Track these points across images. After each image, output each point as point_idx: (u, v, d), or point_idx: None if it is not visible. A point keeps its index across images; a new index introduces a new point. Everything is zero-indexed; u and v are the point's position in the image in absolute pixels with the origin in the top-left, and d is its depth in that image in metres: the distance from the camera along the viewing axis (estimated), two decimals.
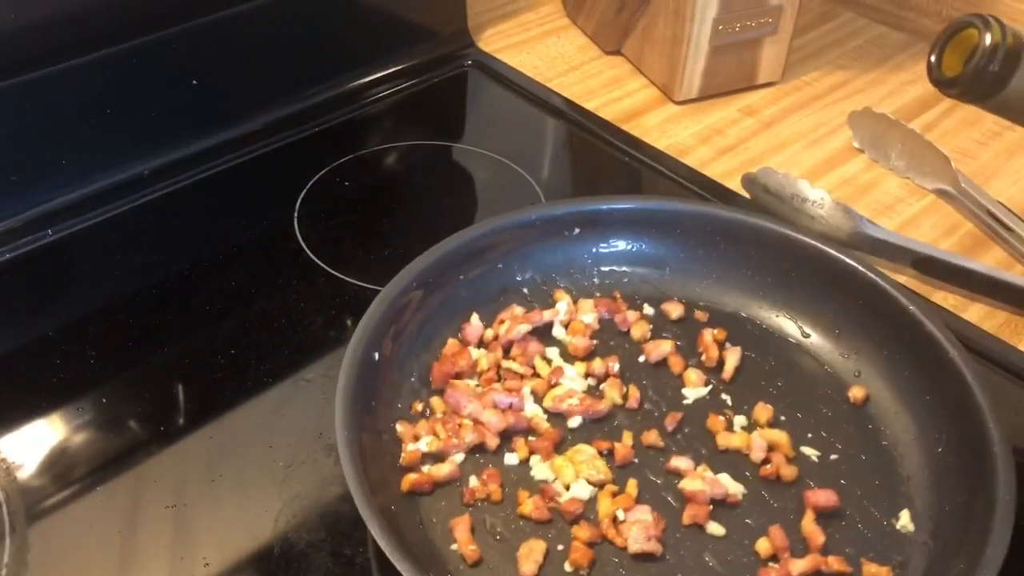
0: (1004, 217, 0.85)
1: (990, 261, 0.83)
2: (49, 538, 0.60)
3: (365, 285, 0.78)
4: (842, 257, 0.71)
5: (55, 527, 0.61)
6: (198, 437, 0.66)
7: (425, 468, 0.62)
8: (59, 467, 0.64)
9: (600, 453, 0.64)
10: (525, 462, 0.64)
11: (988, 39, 0.57)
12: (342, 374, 0.61)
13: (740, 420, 0.67)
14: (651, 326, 0.74)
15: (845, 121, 0.97)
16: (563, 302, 0.74)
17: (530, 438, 0.65)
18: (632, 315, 0.74)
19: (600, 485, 0.62)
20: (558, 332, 0.73)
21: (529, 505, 0.60)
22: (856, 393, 0.69)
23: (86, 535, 0.60)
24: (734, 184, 0.90)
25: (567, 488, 0.62)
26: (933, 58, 0.58)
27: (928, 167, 0.91)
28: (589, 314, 0.73)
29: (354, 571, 0.59)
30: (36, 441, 0.66)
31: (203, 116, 0.91)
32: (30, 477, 0.63)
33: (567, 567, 0.58)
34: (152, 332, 0.74)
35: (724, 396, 0.69)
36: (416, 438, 0.64)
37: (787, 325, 0.74)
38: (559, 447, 0.65)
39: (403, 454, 0.63)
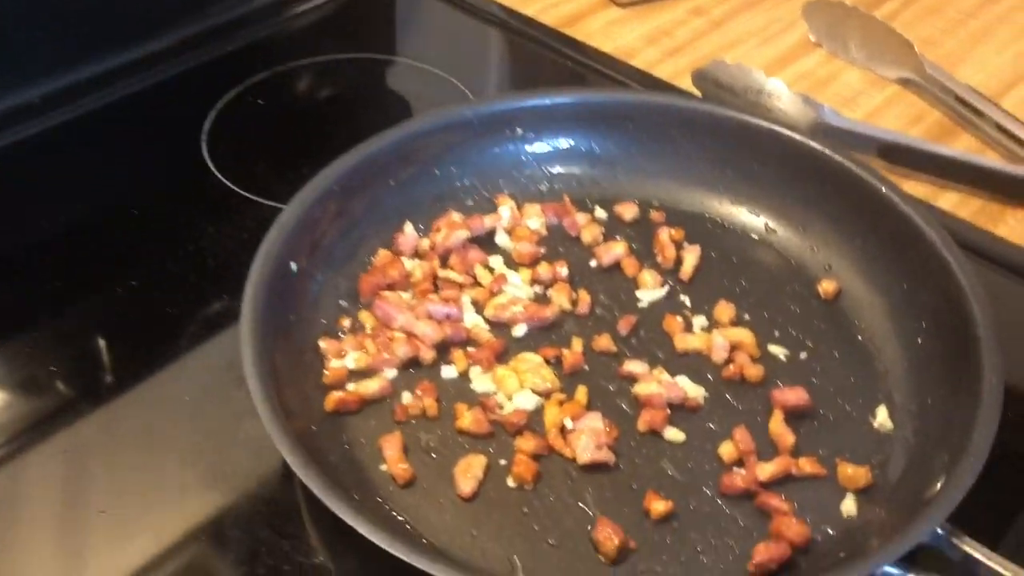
0: (975, 101, 0.79)
1: (961, 148, 0.77)
2: None
3: (284, 206, 0.70)
4: (808, 142, 0.65)
5: None
6: (93, 376, 0.59)
7: (351, 386, 0.56)
8: None
9: (547, 361, 0.58)
10: (464, 375, 0.57)
11: None
12: (249, 284, 0.54)
13: (700, 320, 0.61)
14: (603, 229, 0.67)
15: (799, 15, 0.91)
16: (506, 207, 0.67)
17: (469, 349, 0.59)
18: (582, 218, 0.67)
19: (547, 394, 0.56)
20: (501, 239, 0.66)
21: (468, 418, 0.54)
22: (827, 287, 0.63)
23: None
24: (685, 85, 0.83)
25: (510, 400, 0.55)
26: None
27: (890, 55, 0.85)
28: (535, 219, 0.67)
29: (273, 511, 0.52)
30: None
31: (100, 36, 0.81)
32: None
33: (510, 482, 0.52)
34: (47, 273, 0.66)
35: (682, 297, 0.63)
36: (341, 354, 0.57)
37: (750, 220, 0.68)
38: (501, 357, 0.58)
39: (326, 371, 0.56)
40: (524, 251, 0.65)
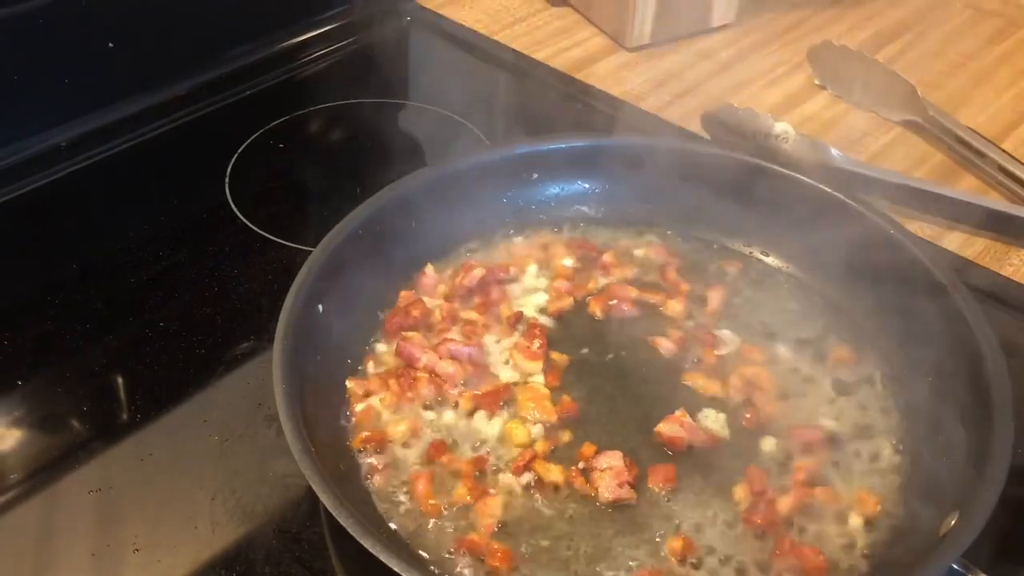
0: (976, 143, 0.81)
1: (963, 189, 0.79)
2: None
3: (304, 247, 0.72)
4: (819, 185, 0.67)
5: None
6: (124, 415, 0.60)
7: (377, 424, 0.57)
8: None
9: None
10: (470, 416, 0.58)
11: None
12: (280, 326, 0.55)
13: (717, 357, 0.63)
14: (619, 268, 0.69)
15: (804, 59, 0.93)
16: (532, 266, 0.69)
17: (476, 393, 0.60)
18: (607, 257, 0.69)
19: (542, 424, 0.58)
20: (529, 281, 0.68)
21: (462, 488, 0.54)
22: None
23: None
24: (694, 127, 0.85)
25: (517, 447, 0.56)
26: None
27: (894, 98, 0.87)
28: (567, 259, 0.69)
29: (302, 548, 0.53)
30: None
31: (122, 82, 0.84)
32: None
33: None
34: (75, 312, 0.67)
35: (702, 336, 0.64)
36: (367, 394, 0.58)
37: (762, 259, 0.70)
38: (506, 403, 0.59)
39: (353, 411, 0.57)
40: (562, 288, 0.67)
